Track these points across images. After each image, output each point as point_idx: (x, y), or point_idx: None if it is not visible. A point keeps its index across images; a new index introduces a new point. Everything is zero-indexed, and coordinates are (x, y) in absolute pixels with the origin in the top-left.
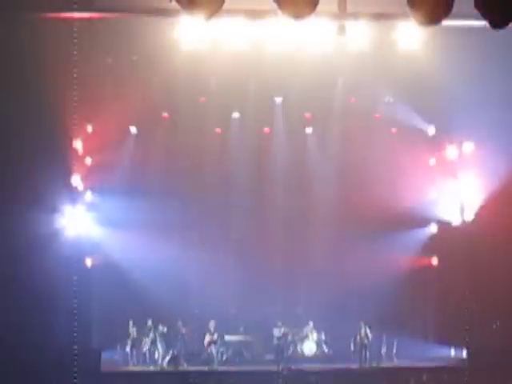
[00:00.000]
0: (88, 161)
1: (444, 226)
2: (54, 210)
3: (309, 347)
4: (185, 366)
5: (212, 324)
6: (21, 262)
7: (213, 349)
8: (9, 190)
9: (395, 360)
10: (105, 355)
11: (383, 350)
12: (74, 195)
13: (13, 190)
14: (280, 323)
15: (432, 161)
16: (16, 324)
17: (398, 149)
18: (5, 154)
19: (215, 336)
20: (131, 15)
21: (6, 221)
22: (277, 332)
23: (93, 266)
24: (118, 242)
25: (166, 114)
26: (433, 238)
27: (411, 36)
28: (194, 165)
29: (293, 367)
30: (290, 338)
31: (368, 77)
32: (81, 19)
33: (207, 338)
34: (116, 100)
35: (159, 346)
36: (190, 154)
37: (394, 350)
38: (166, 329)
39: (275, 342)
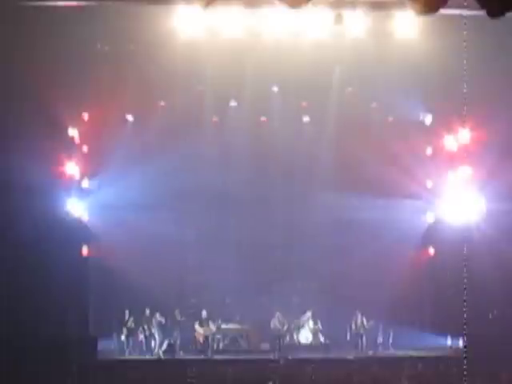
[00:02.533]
0: (85, 149)
1: (441, 215)
2: (50, 197)
3: (305, 336)
4: (181, 355)
5: (204, 314)
6: (17, 251)
7: (209, 339)
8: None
9: (391, 349)
10: (101, 344)
11: (379, 340)
12: (71, 183)
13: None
14: (278, 313)
15: (429, 150)
16: (12, 312)
17: (394, 138)
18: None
19: (213, 327)
20: (128, 3)
21: (5, 212)
22: (275, 321)
23: (89, 253)
24: (115, 230)
25: (162, 103)
26: (429, 228)
27: (408, 25)
28: (190, 153)
29: (289, 356)
30: (286, 327)
31: (365, 65)
32: (78, 7)
33: (202, 332)
34: (113, 88)
35: (156, 334)
36: (187, 143)
37: (391, 340)
38: (163, 318)
39: (274, 330)
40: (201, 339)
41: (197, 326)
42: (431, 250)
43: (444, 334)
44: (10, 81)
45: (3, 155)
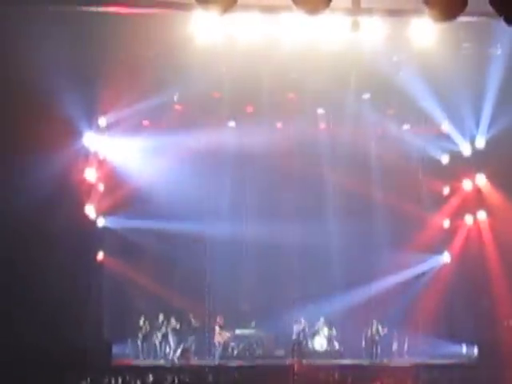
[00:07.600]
0: (100, 155)
1: (456, 222)
2: (67, 202)
3: (319, 343)
4: (195, 360)
5: (220, 319)
6: (31, 255)
7: (224, 345)
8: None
9: (406, 357)
10: (116, 348)
11: (394, 347)
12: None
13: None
14: (300, 319)
15: (445, 158)
16: (26, 318)
17: (410, 145)
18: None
19: (228, 334)
20: (145, 9)
21: (17, 216)
22: (296, 328)
23: (105, 258)
24: (130, 234)
25: (179, 108)
26: (445, 234)
27: (426, 32)
28: (207, 159)
29: (304, 362)
30: (302, 333)
31: (382, 72)
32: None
33: (221, 337)
34: (130, 94)
35: (170, 340)
36: (203, 148)
37: (406, 347)
38: (178, 323)
39: (294, 337)
40: (218, 344)
41: (217, 331)
42: (447, 256)
43: (459, 341)
44: (23, 88)
45: (17, 157)
